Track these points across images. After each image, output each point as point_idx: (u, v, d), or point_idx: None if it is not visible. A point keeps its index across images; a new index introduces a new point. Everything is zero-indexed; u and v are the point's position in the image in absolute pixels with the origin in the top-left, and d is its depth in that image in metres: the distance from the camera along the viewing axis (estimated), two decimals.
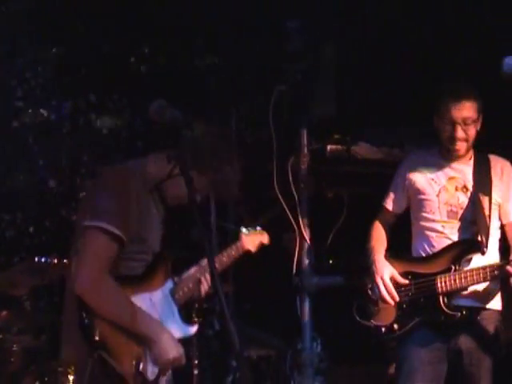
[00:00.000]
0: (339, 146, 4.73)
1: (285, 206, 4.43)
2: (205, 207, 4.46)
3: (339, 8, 4.70)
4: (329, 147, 4.72)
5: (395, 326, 3.73)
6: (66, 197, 6.58)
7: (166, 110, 2.76)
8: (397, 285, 3.72)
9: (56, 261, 4.41)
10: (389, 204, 3.94)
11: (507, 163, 3.82)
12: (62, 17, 5.62)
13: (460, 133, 3.69)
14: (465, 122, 3.68)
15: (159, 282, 3.06)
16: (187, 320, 3.15)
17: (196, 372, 4.77)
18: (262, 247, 4.05)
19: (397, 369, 3.88)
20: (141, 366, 2.88)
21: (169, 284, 3.11)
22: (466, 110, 3.67)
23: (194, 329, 3.15)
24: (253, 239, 3.94)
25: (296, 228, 4.54)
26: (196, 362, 4.75)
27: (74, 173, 6.61)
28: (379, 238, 3.91)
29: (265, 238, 4.09)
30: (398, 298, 3.70)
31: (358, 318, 3.84)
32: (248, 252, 3.89)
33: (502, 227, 3.80)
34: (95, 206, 2.89)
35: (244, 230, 3.93)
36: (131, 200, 2.89)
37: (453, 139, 3.70)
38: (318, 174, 4.75)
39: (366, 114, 5.05)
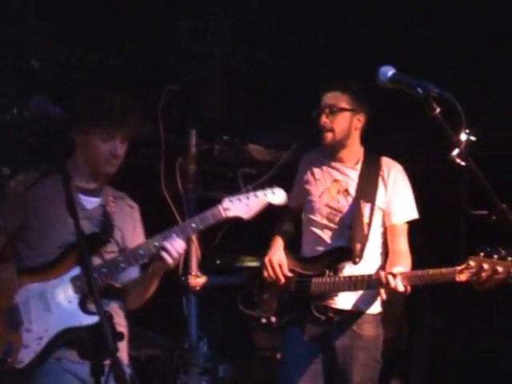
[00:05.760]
0: (227, 147, 4.77)
1: (172, 206, 4.42)
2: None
3: (230, 10, 4.74)
4: (217, 148, 4.75)
5: (273, 319, 3.81)
6: None
7: (48, 107, 2.75)
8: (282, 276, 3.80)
9: None
10: (291, 202, 3.96)
11: (396, 166, 3.83)
12: None
13: (324, 119, 3.75)
14: (330, 110, 3.74)
15: (61, 270, 3.06)
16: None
17: None
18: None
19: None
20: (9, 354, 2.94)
21: (74, 271, 3.06)
22: (333, 99, 3.74)
23: (91, 319, 3.00)
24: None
25: None
26: None
27: None
28: (282, 231, 3.97)
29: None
30: (282, 279, 3.76)
31: (241, 307, 3.89)
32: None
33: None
34: None
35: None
36: (9, 201, 3.18)
37: (320, 128, 3.76)
38: (206, 175, 4.77)
39: (255, 116, 5.10)
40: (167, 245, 3.07)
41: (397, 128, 4.89)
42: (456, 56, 4.53)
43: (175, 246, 3.07)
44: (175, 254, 3.08)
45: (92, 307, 3.02)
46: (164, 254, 3.07)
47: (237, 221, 3.94)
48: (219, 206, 3.15)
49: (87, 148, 3.18)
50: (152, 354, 5.18)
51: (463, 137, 2.64)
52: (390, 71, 2.78)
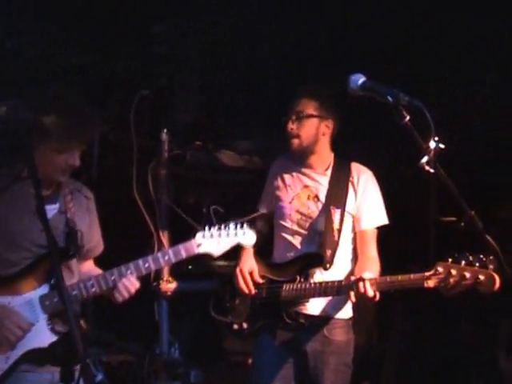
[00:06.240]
0: (200, 153, 4.77)
1: (143, 210, 4.40)
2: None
3: (206, 14, 4.73)
4: (189, 153, 4.75)
5: (244, 325, 3.83)
6: None
7: (20, 112, 2.73)
8: (253, 284, 3.81)
9: None
10: (263, 208, 4.01)
11: (366, 172, 3.85)
12: None
13: (290, 125, 3.78)
14: (297, 116, 3.77)
15: (31, 285, 3.01)
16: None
17: None
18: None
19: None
20: None
21: (42, 289, 3.02)
22: (301, 105, 3.78)
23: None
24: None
25: (154, 233, 4.53)
26: None
27: None
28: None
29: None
30: (252, 291, 3.78)
31: (213, 314, 3.91)
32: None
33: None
34: None
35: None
36: None
37: (287, 134, 3.79)
38: (179, 180, 4.76)
39: (230, 122, 5.09)
40: (120, 285, 3.12)
41: (367, 135, 4.92)
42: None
43: (127, 286, 3.13)
44: (125, 295, 3.14)
45: (59, 326, 3.00)
46: (116, 294, 3.13)
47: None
48: (192, 241, 3.24)
49: (43, 157, 3.03)
50: (123, 360, 5.16)
51: (432, 144, 2.68)
52: (361, 79, 2.81)
